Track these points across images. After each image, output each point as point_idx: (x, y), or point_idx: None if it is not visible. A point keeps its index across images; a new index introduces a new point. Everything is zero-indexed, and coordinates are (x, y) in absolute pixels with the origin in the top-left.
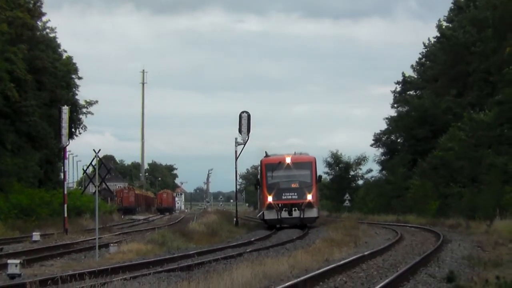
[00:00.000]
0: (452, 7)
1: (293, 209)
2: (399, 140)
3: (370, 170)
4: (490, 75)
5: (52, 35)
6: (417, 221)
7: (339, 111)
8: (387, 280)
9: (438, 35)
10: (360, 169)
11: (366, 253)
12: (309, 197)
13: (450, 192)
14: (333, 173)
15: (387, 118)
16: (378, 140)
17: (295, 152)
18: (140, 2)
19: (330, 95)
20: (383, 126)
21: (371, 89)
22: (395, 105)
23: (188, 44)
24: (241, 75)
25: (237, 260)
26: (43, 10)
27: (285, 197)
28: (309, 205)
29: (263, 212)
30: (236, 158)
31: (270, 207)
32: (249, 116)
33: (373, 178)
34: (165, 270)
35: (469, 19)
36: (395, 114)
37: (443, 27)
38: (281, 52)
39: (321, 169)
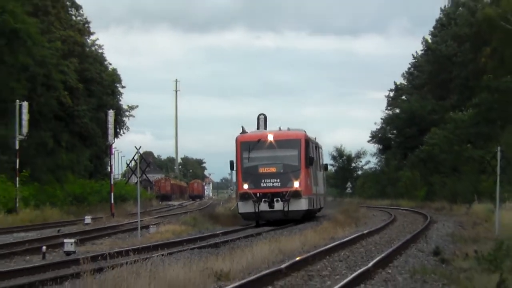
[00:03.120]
0: (436, 25)
1: (275, 199)
2: (391, 137)
3: (368, 162)
4: (469, 81)
5: (100, 51)
6: (408, 205)
7: (341, 113)
8: (383, 255)
9: (425, 48)
10: (360, 161)
11: (365, 231)
12: (296, 184)
13: (435, 180)
14: (337, 165)
15: (382, 119)
16: (374, 137)
17: (280, 128)
18: (174, 22)
19: (334, 100)
20: (378, 125)
21: (368, 94)
22: (388, 108)
23: (214, 58)
24: (258, 83)
25: (257, 239)
26: (92, 29)
27: (264, 184)
28: (296, 194)
29: (237, 204)
30: None
31: (245, 197)
32: (265, 117)
33: (371, 169)
34: (196, 247)
35: (451, 35)
36: (388, 116)
37: (429, 41)
38: (292, 63)
39: (327, 161)
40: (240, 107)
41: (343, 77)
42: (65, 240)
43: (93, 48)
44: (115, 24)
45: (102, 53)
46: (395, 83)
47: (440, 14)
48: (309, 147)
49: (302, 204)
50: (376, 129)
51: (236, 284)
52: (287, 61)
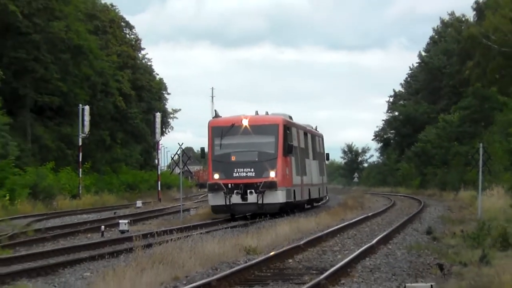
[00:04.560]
0: (429, 42)
1: (248, 191)
2: (391, 136)
3: (371, 156)
4: (456, 89)
5: (149, 63)
6: (405, 192)
7: (350, 115)
8: (384, 233)
9: (419, 61)
10: (365, 155)
11: (369, 214)
12: (272, 174)
13: (427, 171)
14: (346, 158)
15: (383, 120)
16: (377, 136)
17: (256, 112)
18: (214, 40)
19: (345, 104)
20: (380, 126)
21: (372, 100)
22: (389, 111)
23: (245, 69)
24: (282, 90)
25: (280, 220)
26: (142, 45)
27: (237, 174)
28: (271, 185)
29: (208, 195)
30: None
31: (215, 188)
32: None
33: (374, 162)
34: (230, 226)
35: (441, 50)
36: (388, 118)
37: (423, 55)
38: (310, 74)
39: (338, 155)
40: (266, 110)
41: (352, 85)
42: (120, 221)
43: (143, 61)
44: (164, 40)
45: (151, 65)
46: (394, 91)
47: (433, 33)
48: (290, 133)
49: (278, 197)
50: (379, 129)
51: (262, 257)
52: (306, 72)
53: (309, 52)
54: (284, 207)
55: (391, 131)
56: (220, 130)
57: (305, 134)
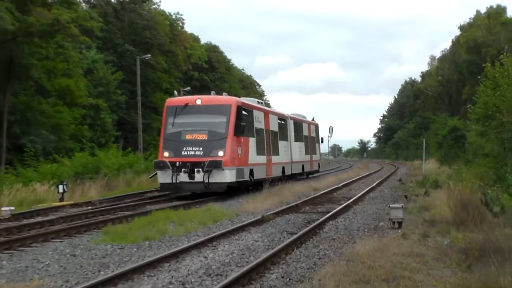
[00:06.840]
0: (399, 91)
1: (196, 170)
2: (381, 135)
3: (372, 144)
4: (412, 113)
5: (268, 101)
6: (388, 161)
7: (362, 125)
8: (379, 180)
9: (394, 100)
10: (369, 144)
11: (372, 172)
12: (220, 153)
13: (399, 152)
14: (360, 145)
15: (378, 128)
16: (374, 135)
17: (212, 93)
18: (299, 91)
19: (359, 120)
20: (376, 130)
21: (372, 118)
22: (380, 124)
23: (314, 105)
24: (330, 115)
25: (328, 175)
26: (265, 94)
27: (185, 152)
28: (217, 164)
29: (157, 173)
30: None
31: (161, 166)
32: (331, 128)
33: (373, 148)
34: (303, 178)
35: (404, 95)
36: (380, 127)
37: (396, 97)
38: (344, 106)
39: (356, 144)
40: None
41: (363, 112)
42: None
43: (266, 102)
44: (276, 91)
45: (268, 103)
46: (383, 114)
47: (401, 87)
48: (250, 115)
49: (225, 176)
50: (376, 132)
51: (321, 192)
52: (342, 106)
53: (343, 96)
54: (233, 186)
55: (381, 133)
56: (174, 109)
57: (283, 120)
